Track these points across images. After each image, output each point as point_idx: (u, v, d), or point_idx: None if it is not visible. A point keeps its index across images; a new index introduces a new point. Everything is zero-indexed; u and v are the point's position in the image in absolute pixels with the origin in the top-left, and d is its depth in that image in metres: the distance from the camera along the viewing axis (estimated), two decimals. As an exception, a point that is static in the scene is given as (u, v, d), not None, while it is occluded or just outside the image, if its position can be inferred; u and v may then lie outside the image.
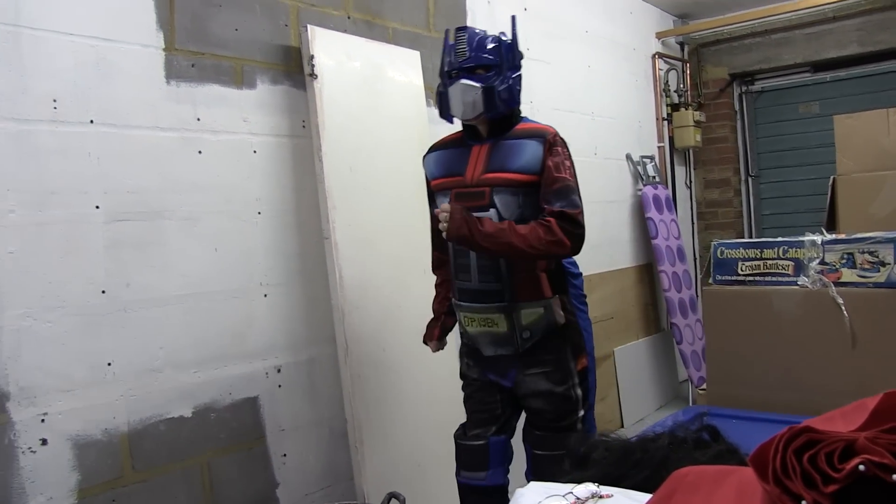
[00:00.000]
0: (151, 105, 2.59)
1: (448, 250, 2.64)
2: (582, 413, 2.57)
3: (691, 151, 6.08)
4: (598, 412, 4.57)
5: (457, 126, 2.69)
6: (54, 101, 2.35)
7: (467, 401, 2.73)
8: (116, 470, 2.44)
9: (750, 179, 6.13)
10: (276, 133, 2.96)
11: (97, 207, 2.42)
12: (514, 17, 2.63)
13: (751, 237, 6.04)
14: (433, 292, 2.87)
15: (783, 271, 2.57)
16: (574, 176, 2.46)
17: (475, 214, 2.42)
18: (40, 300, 2.29)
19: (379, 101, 3.20)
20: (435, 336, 2.82)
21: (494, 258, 2.46)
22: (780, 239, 2.65)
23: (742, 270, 2.66)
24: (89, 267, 2.40)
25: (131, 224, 2.50)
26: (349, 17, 3.27)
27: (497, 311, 2.50)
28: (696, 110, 5.87)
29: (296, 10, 3.04)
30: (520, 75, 2.55)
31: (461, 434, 2.71)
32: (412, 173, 3.19)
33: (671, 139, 5.84)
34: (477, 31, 2.58)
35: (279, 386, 2.91)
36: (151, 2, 2.59)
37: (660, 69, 5.75)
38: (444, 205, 2.45)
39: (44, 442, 2.28)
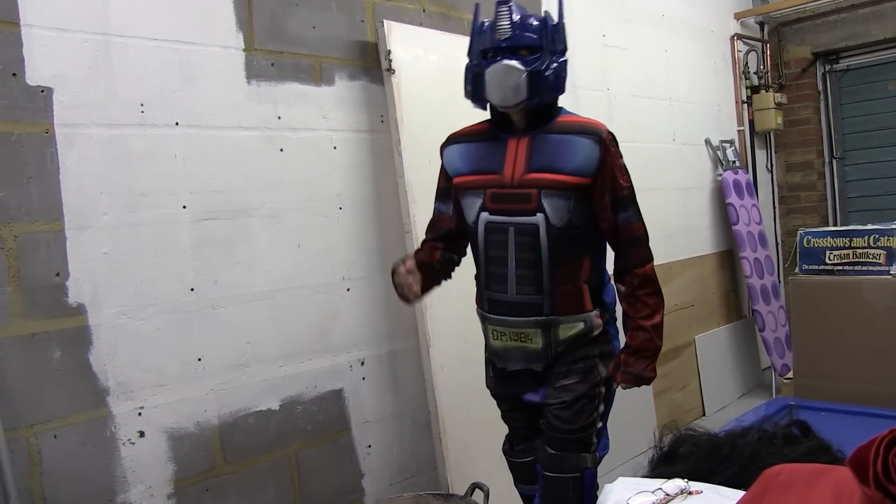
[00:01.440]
0: (233, 105, 2.64)
1: (477, 253, 2.38)
2: (599, 425, 2.41)
3: (772, 134, 5.89)
4: (679, 401, 4.51)
5: (481, 114, 2.41)
6: (142, 105, 2.42)
7: (504, 418, 2.58)
8: (209, 461, 2.51)
9: (834, 162, 5.90)
10: (356, 129, 2.98)
11: (184, 207, 2.49)
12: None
13: (835, 221, 5.83)
14: None
15: (874, 260, 2.46)
16: (629, 178, 2.27)
17: (519, 220, 2.22)
18: (134, 298, 2.37)
19: (456, 93, 3.16)
20: (409, 259, 2.38)
21: (536, 268, 2.23)
22: (870, 227, 2.54)
23: (830, 259, 2.56)
24: (178, 265, 2.47)
25: (217, 223, 2.56)
26: (424, 11, 3.27)
27: (534, 325, 2.28)
28: (776, 92, 5.67)
29: (371, 6, 3.06)
30: (566, 61, 2.28)
31: (508, 449, 2.59)
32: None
33: (751, 122, 5.67)
34: (523, 7, 2.28)
35: (363, 378, 2.95)
36: (231, 4, 2.64)
37: (739, 51, 5.58)
38: (621, 383, 2.32)
39: (142, 434, 2.36)
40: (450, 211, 2.45)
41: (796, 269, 2.70)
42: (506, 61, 2.16)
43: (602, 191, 2.20)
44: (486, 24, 2.26)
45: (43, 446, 2.18)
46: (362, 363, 2.95)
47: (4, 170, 2.14)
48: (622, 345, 2.39)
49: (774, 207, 5.95)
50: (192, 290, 2.49)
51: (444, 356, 3.00)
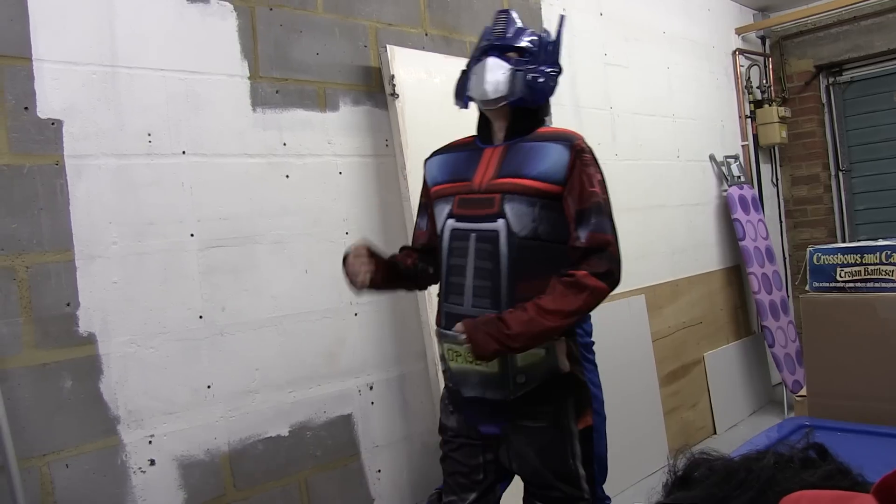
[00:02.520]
0: (239, 133, 2.66)
1: (440, 263, 2.23)
2: (584, 475, 2.11)
3: (777, 148, 5.91)
4: (689, 419, 4.49)
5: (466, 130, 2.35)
6: (149, 134, 2.44)
7: (444, 460, 2.29)
8: (219, 488, 2.52)
9: (841, 174, 5.91)
10: (361, 153, 3.01)
11: (192, 235, 2.51)
12: (562, 17, 2.30)
13: (843, 234, 5.83)
14: None
15: (888, 276, 2.45)
16: (606, 192, 2.07)
17: (480, 226, 2.09)
18: (143, 327, 2.38)
19: (460, 116, 3.20)
20: (362, 250, 2.23)
21: (495, 279, 2.06)
22: (882, 243, 2.53)
23: (841, 277, 2.55)
24: (187, 293, 2.49)
25: (224, 250, 2.58)
26: (427, 34, 3.30)
27: None
28: (780, 106, 5.69)
29: (374, 31, 3.09)
30: (556, 74, 2.19)
31: (435, 500, 2.34)
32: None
33: (755, 137, 5.68)
34: (518, 17, 2.26)
35: (372, 403, 2.95)
36: (236, 33, 2.67)
37: (741, 66, 5.61)
38: (458, 324, 1.99)
39: (152, 462, 2.37)
40: (425, 226, 2.38)
41: (807, 287, 2.68)
42: (492, 58, 2.14)
43: (572, 198, 2.03)
44: (487, 29, 2.27)
45: (55, 475, 2.20)
46: (371, 388, 2.96)
47: (16, 201, 2.17)
48: (602, 395, 2.27)
49: (781, 222, 5.96)
50: (200, 317, 2.51)
51: (453, 378, 3.00)
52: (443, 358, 2.22)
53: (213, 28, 2.62)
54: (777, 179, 5.96)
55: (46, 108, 2.24)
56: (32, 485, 2.14)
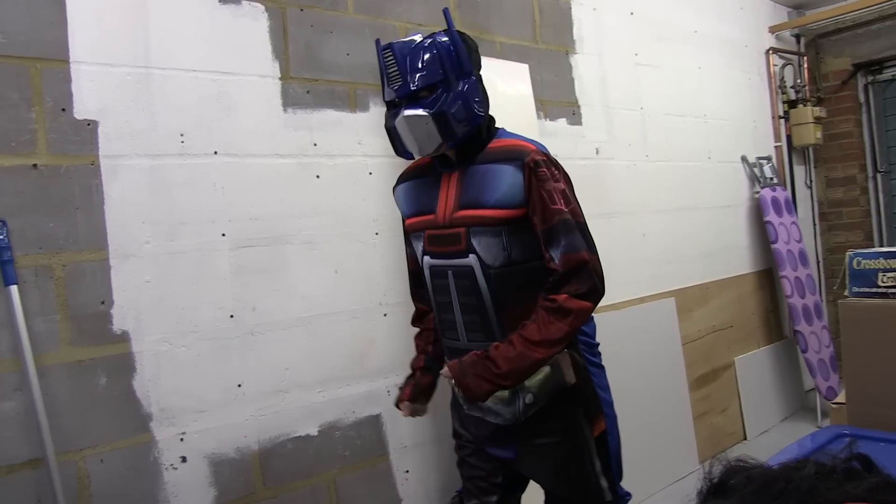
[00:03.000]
0: (270, 133, 2.68)
1: (429, 297, 2.19)
2: (606, 485, 2.08)
3: (811, 149, 5.82)
4: (719, 424, 4.45)
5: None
6: (181, 135, 2.47)
7: (461, 465, 2.28)
8: (249, 486, 2.54)
9: (878, 176, 5.80)
10: (391, 154, 2.98)
11: (223, 235, 2.53)
12: (446, 11, 2.07)
13: (881, 237, 5.72)
14: None
15: (932, 282, 2.40)
16: (572, 201, 1.95)
17: (455, 262, 2.02)
18: (175, 326, 2.41)
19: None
20: (405, 396, 2.33)
21: (482, 312, 2.01)
22: (926, 247, 2.47)
23: (883, 282, 2.49)
24: (218, 293, 2.51)
25: (255, 250, 2.60)
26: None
27: None
28: (815, 105, 5.60)
29: (404, 31, 3.10)
30: (475, 81, 2.02)
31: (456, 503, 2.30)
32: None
33: (789, 138, 5.61)
34: (406, 41, 2.04)
35: (395, 400, 2.95)
36: (267, 34, 2.69)
37: (774, 65, 5.54)
38: (445, 369, 1.98)
39: (183, 459, 2.40)
40: (412, 251, 2.31)
41: (845, 293, 2.62)
42: (406, 111, 1.95)
43: (537, 219, 1.93)
44: (382, 69, 2.05)
45: (91, 470, 2.23)
46: (400, 388, 2.96)
47: (54, 201, 2.21)
48: (611, 396, 2.20)
49: (815, 224, 5.87)
50: (231, 316, 2.53)
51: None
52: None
53: (244, 29, 2.64)
54: (811, 181, 5.88)
55: (82, 109, 2.28)
56: (69, 478, 2.18)
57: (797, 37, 5.83)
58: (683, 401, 4.22)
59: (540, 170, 1.91)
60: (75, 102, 2.26)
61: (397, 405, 2.37)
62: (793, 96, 5.61)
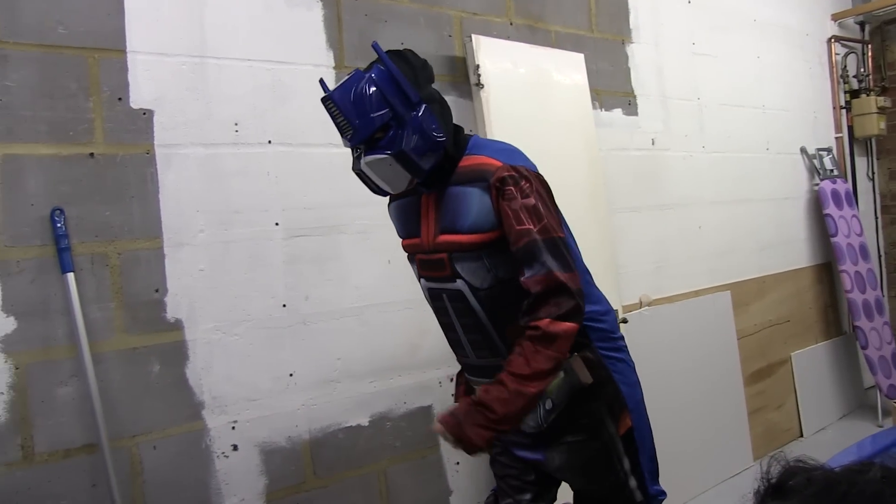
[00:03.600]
0: (324, 122, 2.64)
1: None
2: (635, 484, 2.00)
3: (874, 140, 5.63)
4: (774, 421, 4.34)
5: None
6: (236, 124, 2.47)
7: (493, 464, 2.21)
8: (299, 475, 2.54)
9: (943, 168, 5.60)
10: (442, 144, 2.98)
11: (276, 224, 2.53)
12: (375, 45, 1.91)
13: (945, 231, 5.53)
14: (607, 298, 2.65)
15: None
16: (544, 216, 1.80)
17: (446, 286, 1.93)
18: (228, 314, 2.42)
19: (545, 106, 3.16)
20: (462, 392, 2.20)
21: (483, 331, 1.93)
22: None
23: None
24: (271, 282, 2.51)
25: (308, 239, 2.60)
26: (511, 24, 3.25)
27: None
28: (879, 95, 5.41)
29: (459, 20, 3.06)
30: (426, 107, 1.86)
31: (492, 502, 2.23)
32: (581, 178, 3.15)
33: (850, 128, 5.43)
34: (344, 85, 1.88)
35: (452, 395, 2.93)
36: (321, 23, 2.68)
37: (836, 54, 5.36)
38: (437, 425, 1.82)
39: (235, 448, 2.41)
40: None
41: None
42: (366, 158, 1.83)
43: (510, 242, 1.82)
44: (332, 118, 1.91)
45: (144, 456, 2.26)
46: (451, 379, 2.94)
47: (110, 190, 2.23)
48: (640, 391, 2.05)
49: (877, 217, 5.68)
50: (283, 305, 2.53)
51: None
52: (470, 389, 2.09)
53: (299, 18, 2.63)
54: (873, 173, 5.69)
55: (138, 98, 2.29)
56: (123, 464, 2.21)
57: (861, 24, 5.63)
58: (738, 396, 4.13)
59: (507, 188, 1.80)
60: (131, 92, 2.28)
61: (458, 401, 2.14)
62: (855, 86, 5.44)
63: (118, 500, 2.15)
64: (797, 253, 4.88)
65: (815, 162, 5.03)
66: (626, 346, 2.12)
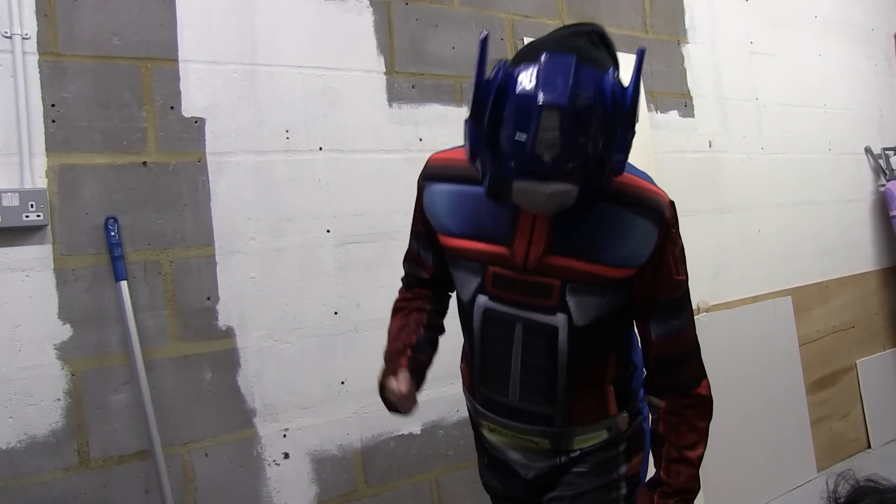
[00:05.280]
0: (375, 128, 2.65)
1: (471, 337, 1.70)
2: None
3: (943, 139, 5.43)
4: (839, 431, 4.20)
5: None
6: (287, 131, 2.47)
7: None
8: (350, 484, 2.52)
9: None
10: (494, 149, 2.94)
11: (328, 231, 2.52)
12: (641, 52, 1.31)
13: None
14: None
15: None
16: (685, 264, 1.56)
17: (531, 316, 1.54)
18: (279, 322, 2.41)
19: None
20: (409, 389, 1.70)
21: (551, 375, 1.57)
22: None
23: None
24: (322, 289, 2.50)
25: (360, 246, 2.58)
26: (563, 26, 3.19)
27: (541, 435, 1.64)
28: (948, 93, 5.22)
29: (511, 23, 3.02)
30: (633, 136, 1.34)
31: None
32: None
33: (918, 127, 5.24)
34: (571, 87, 1.25)
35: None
36: (372, 28, 2.66)
37: (903, 50, 5.18)
38: None
39: (286, 455, 2.40)
40: (430, 260, 1.80)
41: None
42: (550, 187, 1.31)
43: (648, 286, 1.52)
44: (520, 120, 1.28)
45: (196, 463, 2.26)
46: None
47: (162, 198, 2.24)
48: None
49: (945, 219, 5.46)
50: (335, 313, 2.52)
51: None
52: (476, 426, 1.82)
53: (349, 24, 2.62)
54: (942, 173, 5.48)
55: (190, 106, 2.30)
56: (175, 470, 2.22)
57: (929, 18, 5.43)
58: (800, 404, 4.00)
59: (672, 230, 1.51)
60: (183, 100, 2.29)
61: (389, 404, 1.80)
62: (923, 82, 5.24)
63: (171, 508, 2.16)
64: (862, 256, 4.72)
65: (881, 162, 4.85)
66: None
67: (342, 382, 2.52)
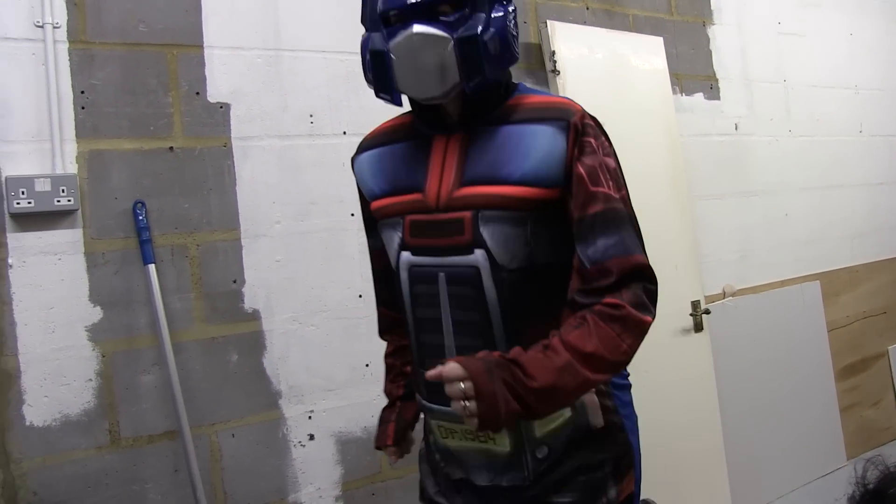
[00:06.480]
0: (398, 112, 2.66)
1: (404, 309, 1.49)
2: None
3: (979, 121, 5.32)
4: (870, 418, 4.16)
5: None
6: (311, 116, 2.49)
7: None
8: (375, 466, 2.55)
9: None
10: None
11: (352, 215, 2.53)
12: None
13: None
14: (688, 288, 2.43)
15: None
16: (621, 184, 1.37)
17: (451, 261, 1.37)
18: (304, 305, 2.45)
19: (623, 92, 3.08)
20: (389, 439, 1.69)
21: (486, 335, 1.36)
22: None
23: None
24: (347, 272, 2.53)
25: (383, 230, 2.60)
26: (588, 8, 3.18)
27: None
28: (984, 72, 5.10)
29: (534, 6, 3.01)
30: (514, 11, 1.39)
31: None
32: (661, 165, 3.07)
33: (953, 108, 5.13)
34: None
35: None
36: (395, 13, 2.67)
37: (939, 29, 5.07)
38: (450, 368, 1.18)
39: (311, 437, 2.43)
40: (380, 244, 1.60)
41: None
42: (418, 27, 1.30)
43: (575, 206, 1.34)
44: None
45: (223, 444, 2.30)
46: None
47: (189, 183, 2.28)
48: (639, 441, 1.63)
49: (981, 202, 5.36)
50: (360, 296, 2.54)
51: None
52: (432, 433, 1.54)
53: (372, 9, 2.63)
54: (977, 156, 5.37)
55: (215, 92, 2.33)
56: (203, 450, 2.26)
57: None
58: (829, 391, 3.96)
59: (587, 138, 1.34)
60: (209, 86, 2.32)
61: (379, 448, 1.75)
62: (959, 62, 5.12)
63: (199, 486, 2.19)
64: (894, 241, 4.65)
65: (914, 144, 4.78)
66: (632, 395, 1.83)
67: (366, 365, 2.54)
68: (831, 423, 3.94)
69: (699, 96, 3.58)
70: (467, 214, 1.35)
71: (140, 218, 2.18)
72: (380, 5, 1.38)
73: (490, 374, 1.17)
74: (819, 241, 4.08)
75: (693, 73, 3.56)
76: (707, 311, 3.20)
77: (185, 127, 2.28)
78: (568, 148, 1.33)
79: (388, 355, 1.77)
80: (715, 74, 3.67)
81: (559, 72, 2.90)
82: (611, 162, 1.36)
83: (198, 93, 2.31)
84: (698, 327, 3.17)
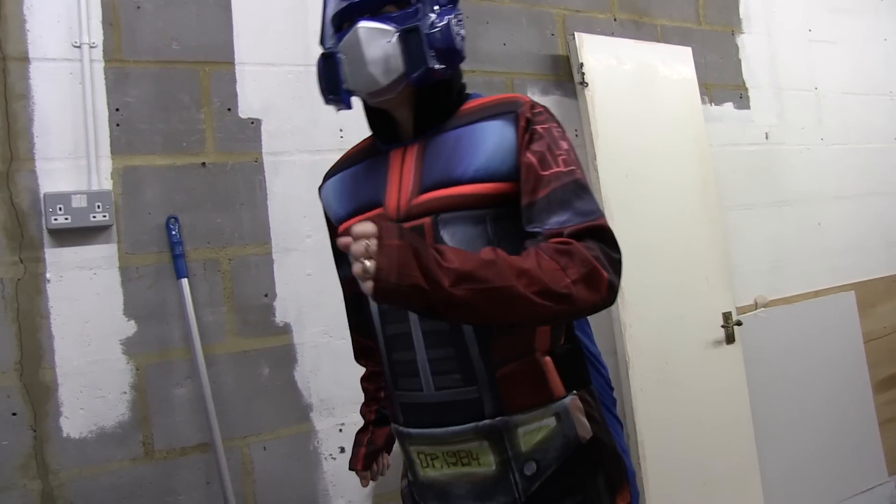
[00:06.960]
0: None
1: (375, 333, 1.45)
2: None
3: None
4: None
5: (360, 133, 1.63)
6: (341, 130, 2.51)
7: None
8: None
9: None
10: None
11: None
12: None
13: None
14: (720, 299, 2.42)
15: None
16: (571, 161, 1.32)
17: None
18: (335, 318, 2.45)
19: (651, 102, 3.07)
20: (359, 463, 1.81)
21: (458, 344, 1.32)
22: None
23: None
24: (376, 285, 2.53)
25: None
26: (615, 20, 3.18)
27: (475, 435, 1.33)
28: None
29: (562, 19, 3.02)
30: (459, 13, 1.45)
31: None
32: (690, 175, 3.05)
33: None
34: None
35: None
36: (423, 27, 2.69)
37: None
38: (360, 225, 1.09)
39: (342, 450, 2.44)
40: (348, 271, 1.55)
41: None
42: (364, 24, 1.35)
43: (525, 191, 1.31)
44: None
45: (254, 456, 2.32)
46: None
47: (221, 197, 2.31)
48: (630, 459, 1.60)
49: None
50: (388, 309, 2.55)
51: (644, 378, 2.88)
52: (410, 464, 1.47)
53: (400, 23, 2.65)
54: None
55: (247, 108, 2.36)
56: (234, 463, 2.28)
57: None
58: (867, 404, 3.89)
59: (535, 126, 1.33)
60: (240, 102, 2.35)
61: (352, 469, 1.87)
62: None
63: (231, 498, 2.21)
64: (932, 250, 4.57)
65: (950, 152, 4.69)
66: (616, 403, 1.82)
67: (396, 377, 2.55)
68: (870, 437, 3.87)
69: (729, 105, 3.56)
70: (427, 220, 1.34)
71: (173, 233, 2.22)
72: (329, 10, 1.44)
73: (400, 237, 1.10)
74: (854, 250, 4.02)
75: (722, 82, 3.54)
76: (739, 323, 3.17)
77: (217, 142, 2.31)
78: (518, 137, 1.33)
79: (362, 379, 1.89)
80: (745, 83, 3.64)
81: (587, 84, 2.90)
82: (563, 144, 1.34)
83: (229, 109, 2.34)
84: (730, 339, 3.14)
